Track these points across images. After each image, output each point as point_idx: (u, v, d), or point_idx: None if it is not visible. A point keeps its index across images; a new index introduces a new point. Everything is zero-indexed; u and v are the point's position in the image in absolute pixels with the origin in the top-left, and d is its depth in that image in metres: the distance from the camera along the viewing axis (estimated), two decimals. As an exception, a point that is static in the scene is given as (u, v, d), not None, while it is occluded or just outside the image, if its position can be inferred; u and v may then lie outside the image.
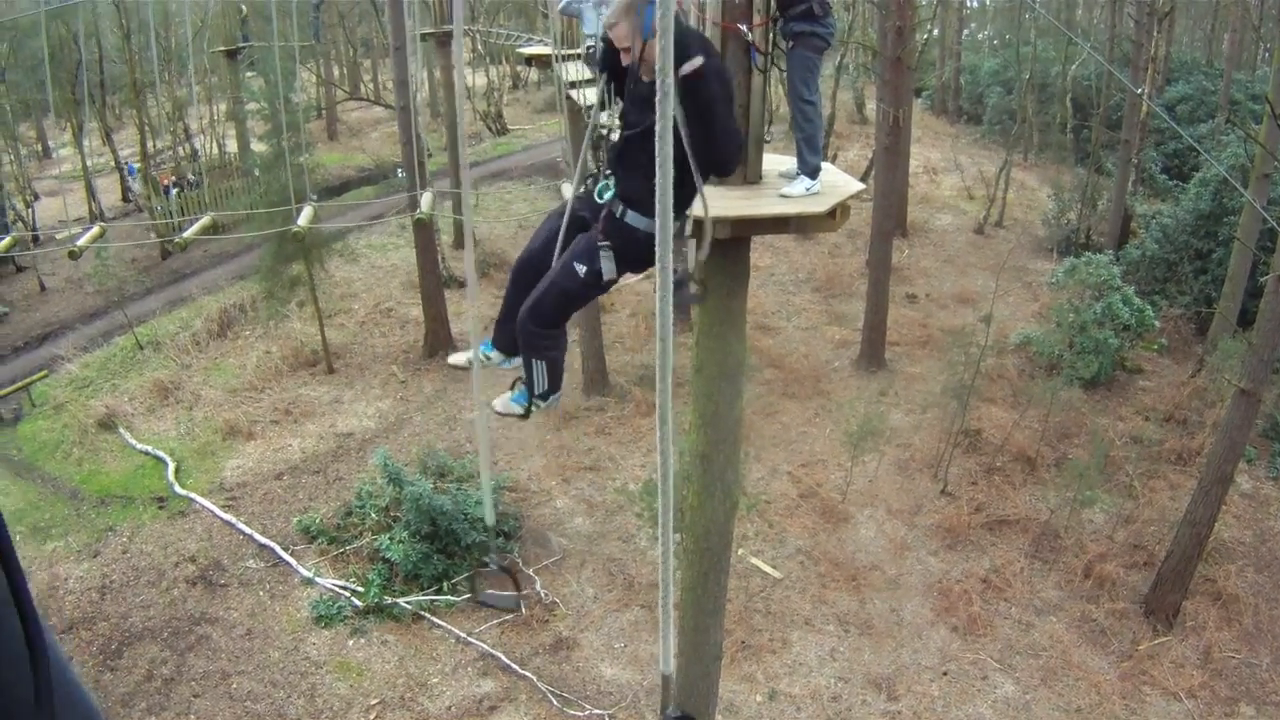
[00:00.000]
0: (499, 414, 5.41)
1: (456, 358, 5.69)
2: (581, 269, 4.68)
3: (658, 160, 1.89)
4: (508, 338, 5.25)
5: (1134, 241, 25.83)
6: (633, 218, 4.60)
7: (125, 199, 35.82)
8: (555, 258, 4.88)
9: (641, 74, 4.53)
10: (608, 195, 4.70)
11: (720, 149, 4.41)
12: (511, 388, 5.32)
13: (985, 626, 15.34)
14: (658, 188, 1.94)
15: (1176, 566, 15.48)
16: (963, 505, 17.71)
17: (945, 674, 14.53)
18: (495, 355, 5.43)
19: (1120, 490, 18.31)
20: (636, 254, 4.65)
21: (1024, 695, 14.21)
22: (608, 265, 4.65)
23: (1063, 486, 17.64)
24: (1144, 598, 15.93)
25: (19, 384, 21.20)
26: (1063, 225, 29.15)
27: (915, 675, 14.46)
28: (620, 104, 4.82)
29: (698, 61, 4.10)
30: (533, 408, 5.24)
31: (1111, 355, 20.66)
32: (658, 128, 1.86)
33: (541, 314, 4.79)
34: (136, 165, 35.65)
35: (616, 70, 4.75)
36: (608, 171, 4.75)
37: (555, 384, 5.08)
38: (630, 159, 4.58)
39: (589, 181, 4.97)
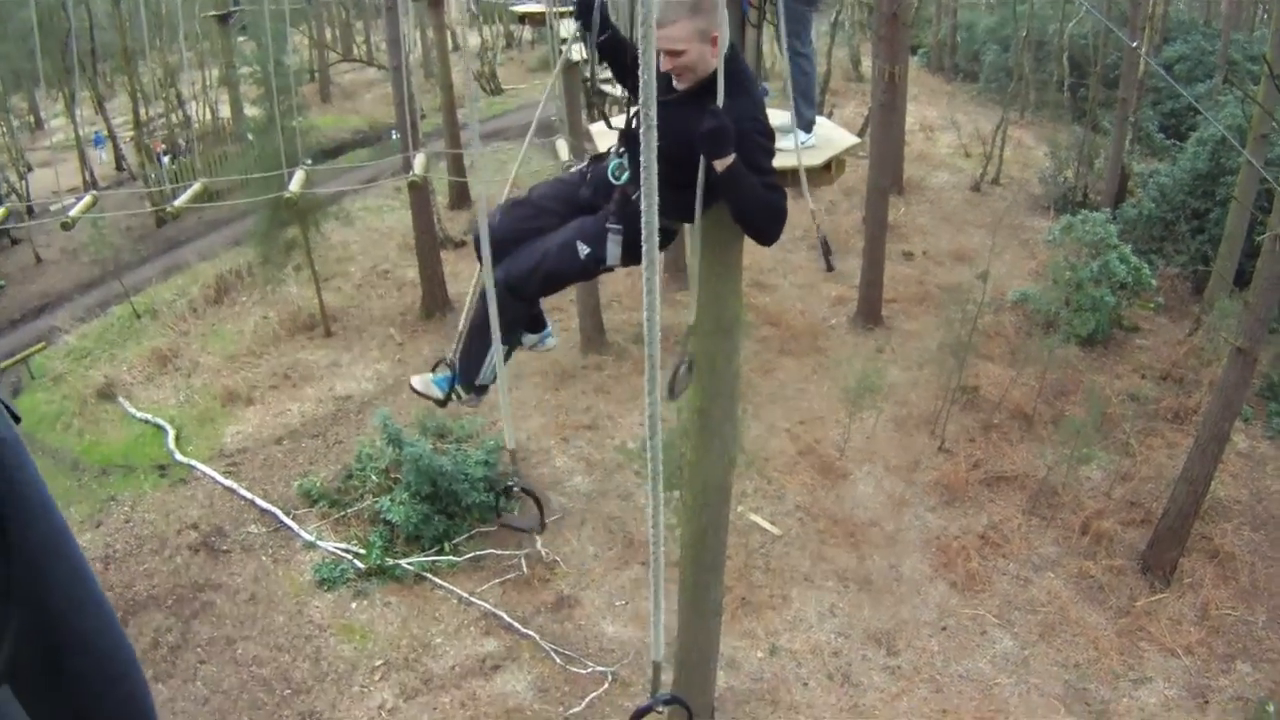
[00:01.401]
0: (416, 392, 4.86)
1: (419, 381, 4.94)
2: (584, 250, 4.35)
3: (643, 158, 1.86)
4: (475, 363, 4.77)
5: (1131, 200, 25.76)
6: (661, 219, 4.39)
7: (119, 168, 35.68)
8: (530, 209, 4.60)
9: (677, 83, 4.21)
10: (624, 178, 4.36)
11: (755, 223, 4.23)
12: (434, 369, 4.86)
13: (983, 582, 15.44)
14: (643, 202, 1.90)
15: (1173, 524, 15.57)
16: (960, 462, 17.76)
17: (944, 629, 14.65)
18: (461, 390, 4.85)
19: (1117, 448, 18.36)
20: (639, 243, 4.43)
21: (1022, 650, 14.33)
22: (614, 250, 4.32)
23: (1060, 444, 17.68)
24: (1141, 555, 16.02)
25: (17, 357, 21.19)
26: (1059, 183, 29.06)
27: (914, 630, 14.58)
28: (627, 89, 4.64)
29: (730, 159, 3.89)
30: (453, 397, 4.77)
31: (1108, 313, 20.66)
32: (641, 159, 1.82)
33: (524, 280, 4.40)
34: (104, 135, 35.48)
35: (617, 54, 4.56)
36: (620, 150, 4.40)
37: (490, 380, 4.65)
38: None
39: (590, 167, 4.66)
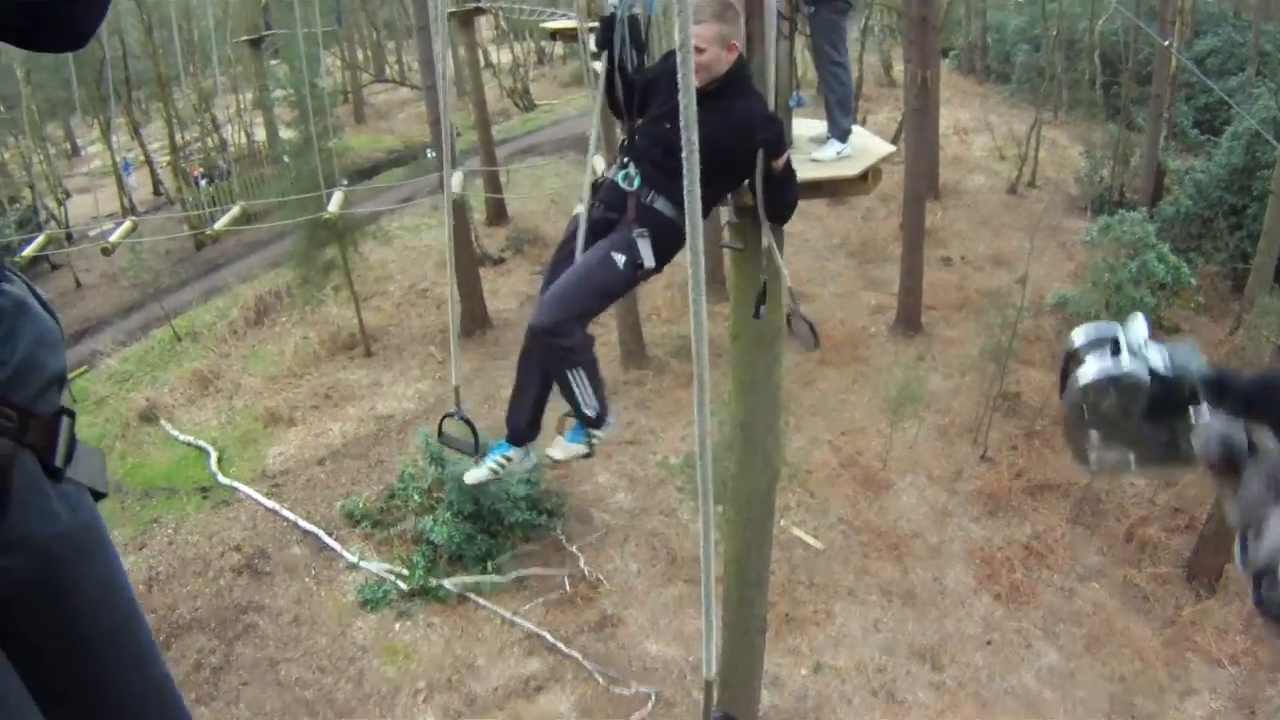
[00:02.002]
0: (560, 460, 4.93)
1: (473, 476, 5.02)
2: (620, 259, 4.39)
3: (684, 156, 1.87)
4: (523, 425, 4.81)
5: (1168, 198, 25.50)
6: (662, 204, 4.44)
7: (156, 192, 36.05)
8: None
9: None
10: (636, 183, 4.47)
11: (784, 210, 4.87)
12: (559, 430, 4.85)
13: (1028, 594, 15.31)
14: (685, 179, 1.92)
15: (1218, 529, 15.26)
16: (1003, 470, 17.62)
17: (989, 643, 14.53)
18: (515, 453, 4.88)
19: (1161, 454, 18.13)
20: (669, 241, 4.44)
21: (1068, 664, 14.21)
22: (647, 252, 4.41)
23: (1104, 450, 17.48)
24: (1186, 562, 15.84)
25: (60, 381, 21.33)
26: (1095, 183, 28.82)
27: (959, 645, 14.47)
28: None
29: (785, 157, 4.42)
30: (593, 441, 4.78)
31: (1148, 314, 20.39)
32: (683, 140, 1.84)
33: (567, 312, 4.34)
34: (131, 162, 35.83)
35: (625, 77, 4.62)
36: (625, 160, 4.51)
37: (602, 399, 4.61)
38: (649, 148, 4.44)
39: (598, 196, 4.69)
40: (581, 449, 4.78)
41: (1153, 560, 15.96)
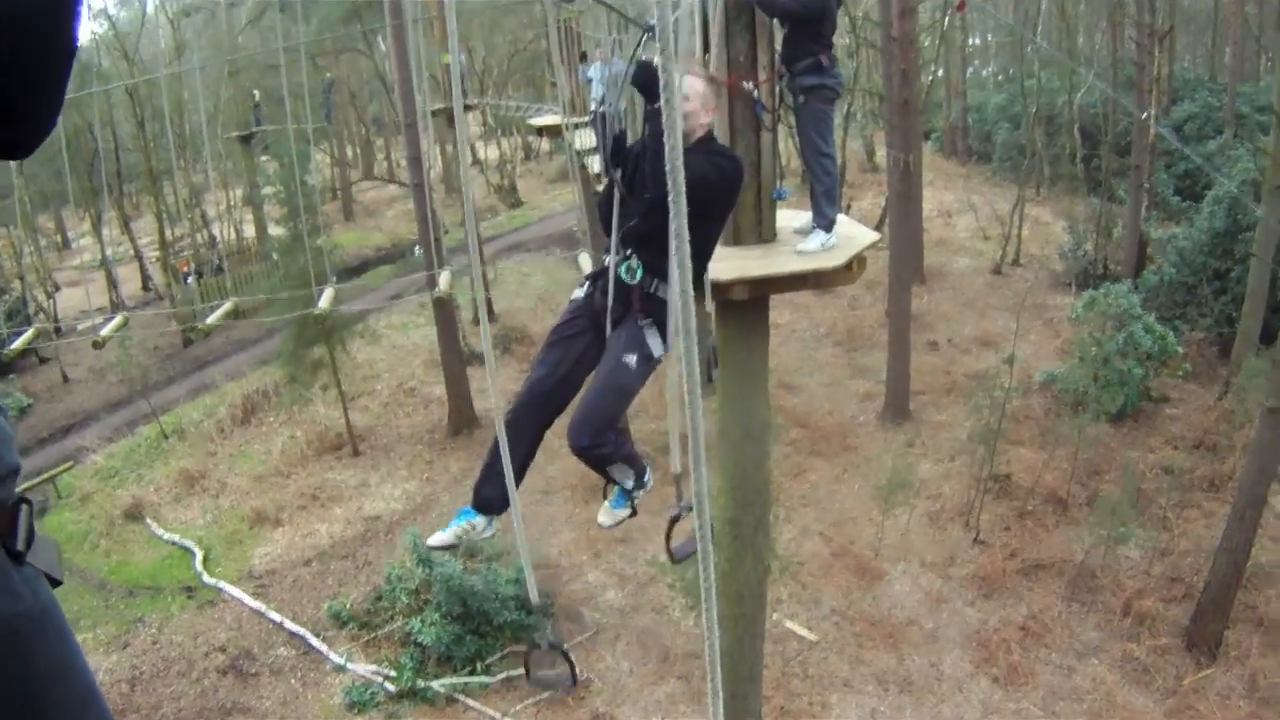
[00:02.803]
0: (610, 526, 5.15)
1: (438, 538, 4.93)
2: (632, 359, 4.51)
3: (672, 229, 1.87)
4: (494, 496, 4.75)
5: (1151, 268, 25.66)
6: (665, 291, 4.52)
7: (145, 287, 36.22)
8: (556, 360, 4.69)
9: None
10: (639, 274, 4.57)
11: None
12: (604, 495, 5.11)
13: (1026, 675, 15.11)
14: (672, 255, 1.92)
15: (1216, 596, 15.27)
16: (996, 552, 17.51)
17: (988, 727, 14.33)
18: (480, 521, 4.86)
19: (1154, 523, 18.05)
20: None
21: (1070, 742, 14.01)
22: (655, 342, 4.54)
23: (1096, 524, 17.43)
24: (1185, 630, 15.68)
25: (44, 476, 21.26)
26: (1079, 258, 29.02)
27: (958, 730, 14.27)
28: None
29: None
30: (635, 502, 5.01)
31: (1136, 386, 20.46)
32: (670, 198, 1.84)
33: (598, 427, 4.48)
34: (112, 257, 36.07)
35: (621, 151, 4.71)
36: (628, 251, 4.59)
37: (640, 468, 4.81)
38: (654, 239, 4.42)
39: (592, 288, 4.82)
40: (626, 512, 5.03)
41: (1151, 632, 15.78)
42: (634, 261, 4.56)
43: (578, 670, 14.80)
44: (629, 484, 4.76)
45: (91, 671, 1.55)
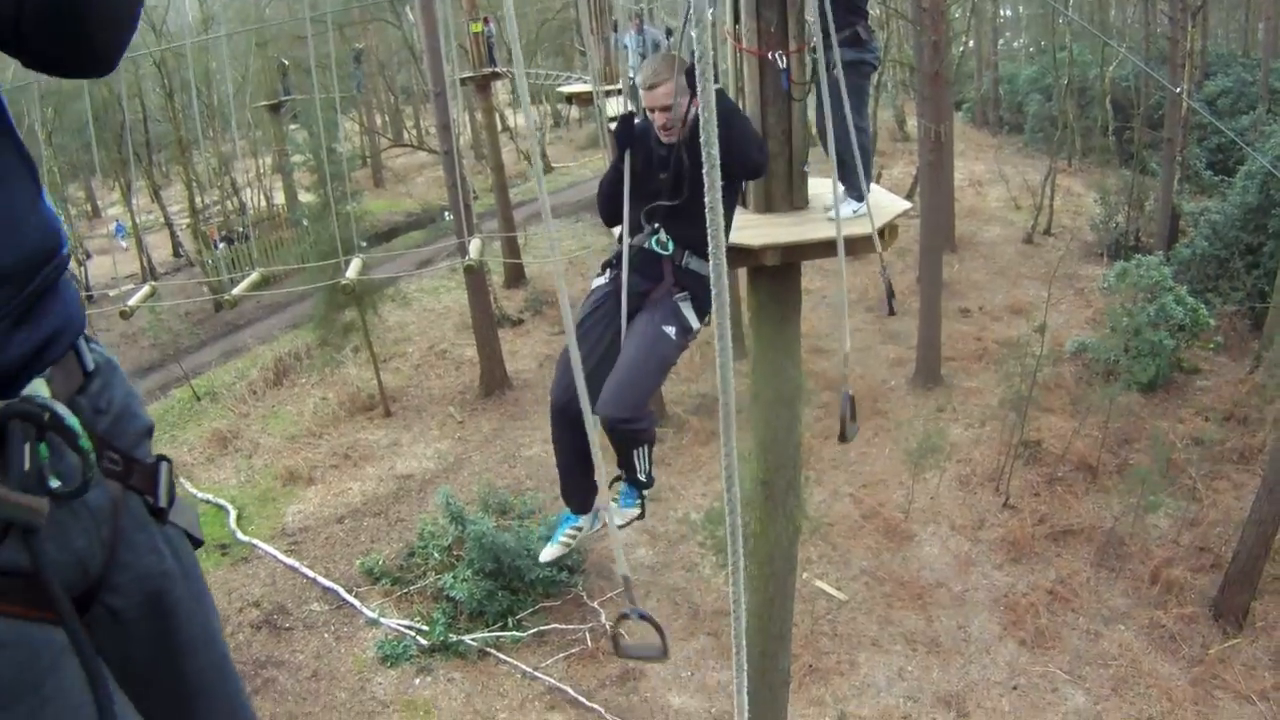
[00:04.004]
0: (620, 528, 4.73)
1: (548, 553, 5.08)
2: (671, 330, 4.55)
3: (706, 199, 1.90)
4: (579, 494, 4.90)
5: (1183, 240, 25.52)
6: (697, 263, 4.59)
7: (176, 254, 36.45)
8: (591, 345, 4.65)
9: (665, 138, 4.60)
10: (670, 247, 4.64)
11: (750, 157, 4.64)
12: (610, 485, 4.78)
13: (1053, 638, 15.15)
14: (708, 222, 1.95)
15: (1244, 567, 15.23)
16: (1026, 517, 17.52)
17: (1015, 688, 14.35)
18: (584, 521, 5.01)
19: (1184, 493, 18.04)
20: (708, 298, 4.38)
21: (1095, 706, 14.01)
22: (691, 316, 4.60)
23: (1125, 493, 17.42)
24: (1212, 600, 15.68)
25: (79, 440, 21.43)
26: (1111, 229, 28.85)
27: (985, 691, 14.29)
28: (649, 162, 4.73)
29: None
30: (644, 502, 4.92)
31: (1168, 357, 20.37)
32: (705, 171, 1.87)
33: (639, 399, 4.49)
34: (125, 225, 36.29)
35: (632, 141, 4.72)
36: (655, 226, 4.65)
37: (651, 463, 4.80)
38: (683, 212, 4.54)
39: (615, 272, 4.80)
40: (635, 512, 4.86)
41: (1179, 601, 15.79)
42: (663, 235, 4.63)
43: (606, 625, 14.98)
44: (643, 475, 4.71)
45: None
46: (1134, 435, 19.62)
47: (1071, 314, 24.43)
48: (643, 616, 4.51)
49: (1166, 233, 26.12)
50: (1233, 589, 15.40)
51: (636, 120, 4.76)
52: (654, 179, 4.63)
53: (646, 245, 4.66)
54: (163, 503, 1.37)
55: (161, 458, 1.41)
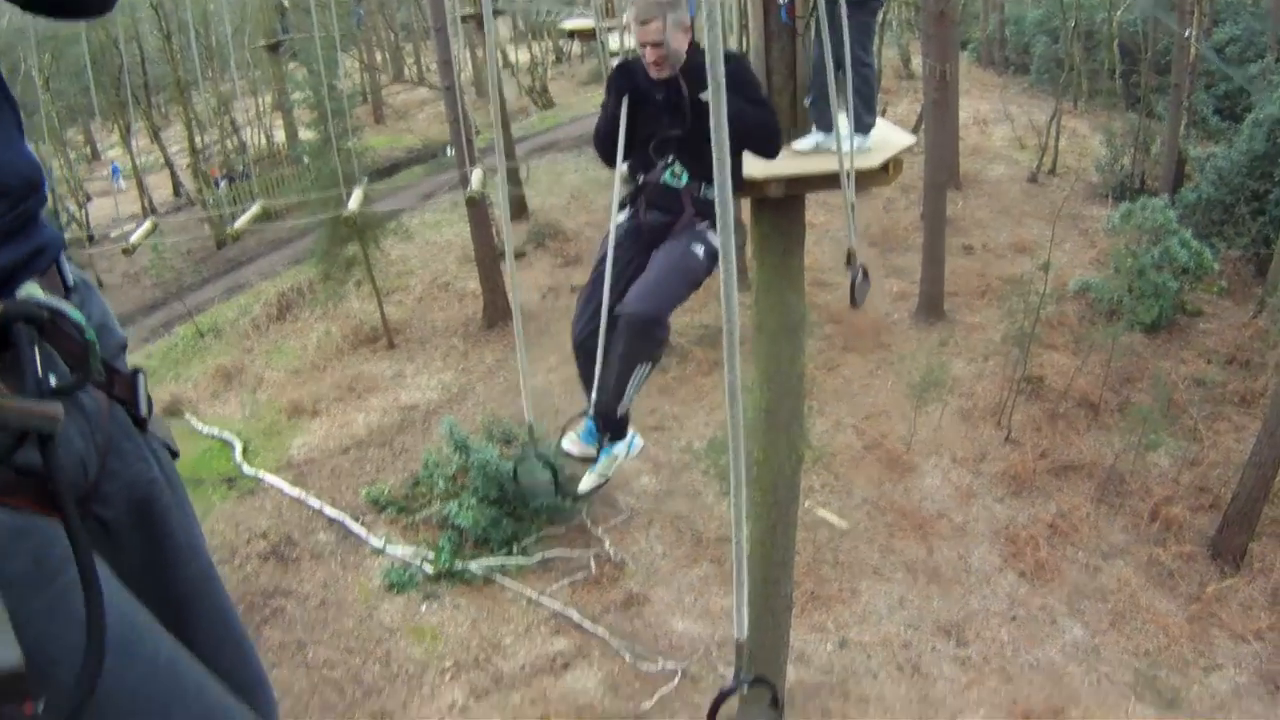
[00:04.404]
0: (570, 455, 4.91)
1: (588, 482, 5.18)
2: (700, 250, 4.57)
3: (712, 122, 1.91)
4: (612, 421, 4.93)
5: (1189, 185, 25.37)
6: (712, 192, 4.54)
7: (176, 194, 36.33)
8: (614, 278, 4.65)
9: (656, 74, 4.59)
10: (684, 178, 4.66)
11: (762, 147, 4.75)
12: (581, 416, 4.91)
13: (1053, 571, 15.31)
14: (714, 155, 1.96)
15: (1243, 508, 15.36)
16: (1027, 452, 17.61)
17: (1014, 619, 14.54)
18: (619, 447, 5.11)
19: (1184, 433, 18.12)
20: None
21: (1093, 639, 14.20)
22: (716, 241, 4.56)
23: (1127, 431, 17.51)
24: (1210, 540, 15.83)
25: (84, 380, 21.44)
26: (1116, 171, 28.67)
27: (984, 621, 14.48)
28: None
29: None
30: (603, 447, 4.87)
31: (1171, 299, 20.35)
32: (710, 92, 1.87)
33: (665, 304, 4.50)
34: (120, 167, 36.15)
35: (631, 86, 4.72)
36: (669, 159, 4.68)
37: (629, 436, 4.92)
38: (693, 145, 4.58)
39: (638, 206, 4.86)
40: (592, 450, 4.83)
41: (1177, 539, 15.92)
42: (677, 167, 4.66)
43: (610, 552, 15.13)
44: (622, 405, 4.68)
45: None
46: (1136, 374, 19.67)
47: (1075, 254, 24.36)
48: (538, 456, 4.86)
49: (1172, 177, 25.97)
50: (1231, 530, 15.54)
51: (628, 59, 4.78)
52: (655, 115, 4.64)
53: (662, 180, 4.69)
54: (144, 412, 1.39)
55: (137, 370, 1.44)
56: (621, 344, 4.45)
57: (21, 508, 1.07)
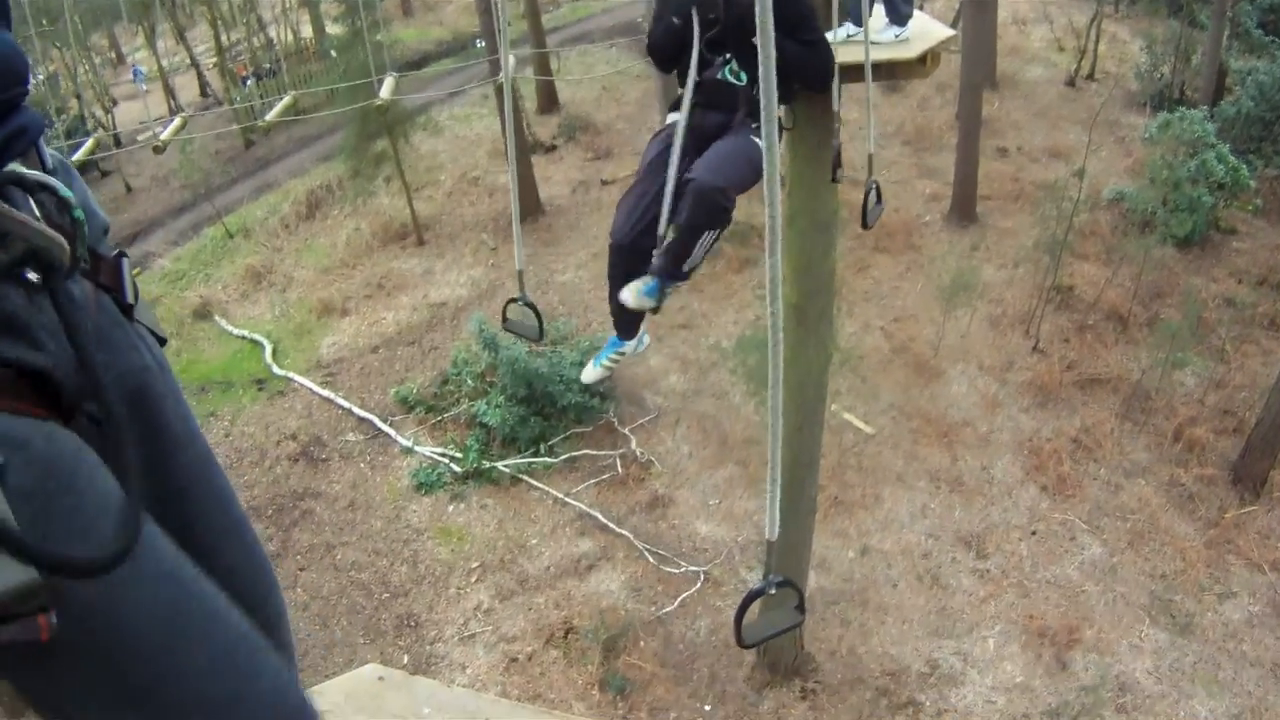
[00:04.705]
0: (630, 308, 4.79)
1: (590, 374, 5.56)
2: (761, 143, 4.51)
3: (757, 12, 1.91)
4: (633, 322, 5.11)
5: (1229, 98, 24.77)
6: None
7: (203, 94, 36.05)
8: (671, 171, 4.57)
9: None
10: (744, 78, 4.56)
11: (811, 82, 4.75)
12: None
13: (1074, 487, 15.32)
14: (758, 28, 1.96)
15: (1266, 435, 15.24)
16: (1054, 363, 17.53)
17: (1034, 533, 14.62)
18: (628, 346, 5.29)
19: (1212, 354, 17.98)
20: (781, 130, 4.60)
21: (1110, 558, 14.26)
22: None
23: (1154, 347, 17.37)
24: (1232, 464, 15.76)
25: (114, 284, 21.48)
26: (1155, 79, 28.06)
27: (1004, 534, 14.57)
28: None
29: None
30: (664, 297, 4.78)
31: (1205, 214, 20.03)
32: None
33: (733, 179, 4.38)
34: (142, 69, 35.84)
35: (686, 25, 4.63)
36: (727, 56, 4.56)
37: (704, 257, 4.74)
38: (749, 46, 4.35)
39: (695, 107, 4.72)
40: (652, 303, 4.73)
41: (1199, 461, 15.87)
42: (734, 65, 4.55)
43: (637, 451, 15.23)
44: (689, 265, 4.60)
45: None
46: (1166, 290, 19.46)
47: (1111, 162, 23.95)
48: (527, 304, 5.00)
49: (1212, 88, 25.38)
50: (1254, 455, 15.45)
51: None
52: (710, 19, 4.54)
53: (720, 76, 4.59)
54: (129, 299, 1.37)
55: (121, 253, 1.39)
56: (687, 212, 4.40)
57: (21, 412, 1.04)
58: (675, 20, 4.63)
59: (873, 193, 5.77)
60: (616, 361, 5.35)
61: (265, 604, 1.62)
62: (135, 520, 1.06)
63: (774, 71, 1.98)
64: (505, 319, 5.19)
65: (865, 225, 5.90)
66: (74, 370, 1.12)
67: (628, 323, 5.11)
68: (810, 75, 4.61)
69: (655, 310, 4.83)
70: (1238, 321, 18.75)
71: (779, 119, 4.86)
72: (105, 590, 1.04)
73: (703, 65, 4.63)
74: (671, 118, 4.74)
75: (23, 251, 1.06)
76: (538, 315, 5.02)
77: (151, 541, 1.18)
